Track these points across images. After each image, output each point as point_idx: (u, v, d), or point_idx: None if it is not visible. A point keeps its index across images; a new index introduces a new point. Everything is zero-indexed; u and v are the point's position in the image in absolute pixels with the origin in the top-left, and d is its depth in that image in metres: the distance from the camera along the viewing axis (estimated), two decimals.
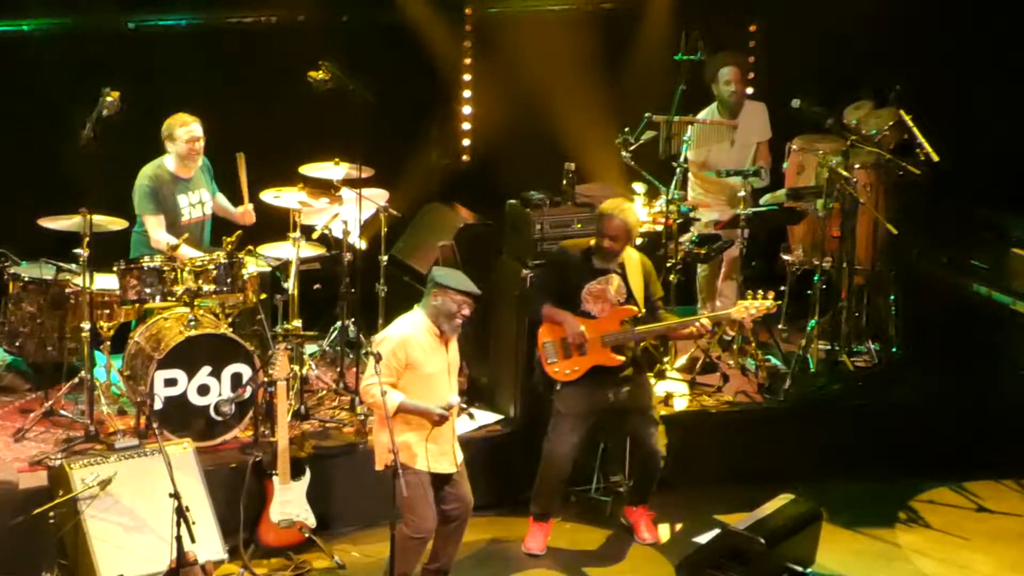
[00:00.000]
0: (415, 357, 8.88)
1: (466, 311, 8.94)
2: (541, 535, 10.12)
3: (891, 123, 11.85)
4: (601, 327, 9.78)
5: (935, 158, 11.50)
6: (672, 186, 11.36)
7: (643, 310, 9.83)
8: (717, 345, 11.64)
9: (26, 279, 10.55)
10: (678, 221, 11.32)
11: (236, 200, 10.98)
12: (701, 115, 11.90)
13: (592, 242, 9.89)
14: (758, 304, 9.97)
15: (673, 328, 10.03)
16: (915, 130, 11.64)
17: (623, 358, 9.83)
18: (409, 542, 8.94)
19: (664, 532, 10.46)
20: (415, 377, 8.89)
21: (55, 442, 10.14)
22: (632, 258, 9.92)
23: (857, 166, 11.65)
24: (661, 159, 11.74)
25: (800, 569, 9.83)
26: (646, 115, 11.54)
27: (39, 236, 10.39)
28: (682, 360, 11.52)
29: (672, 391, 11.16)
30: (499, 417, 10.79)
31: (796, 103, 11.52)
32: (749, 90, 12.26)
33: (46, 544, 9.30)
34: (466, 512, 9.23)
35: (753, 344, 11.52)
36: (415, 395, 8.86)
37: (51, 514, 9.21)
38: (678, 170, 11.52)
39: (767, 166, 11.90)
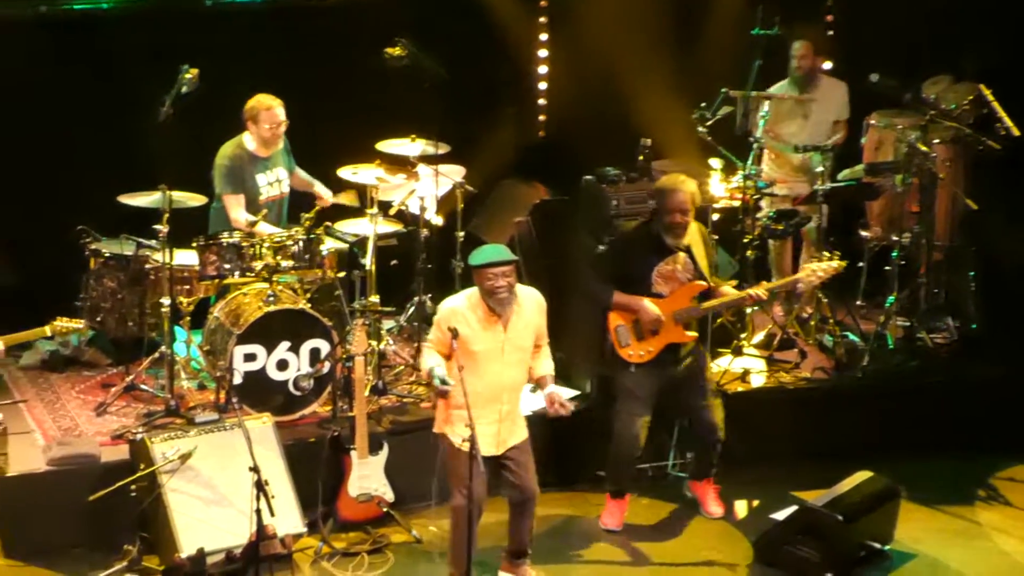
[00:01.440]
0: (461, 332, 8.83)
1: (501, 282, 8.80)
2: (618, 511, 10.13)
3: (970, 97, 11.76)
4: (672, 305, 9.75)
5: (1015, 132, 11.41)
6: (749, 161, 11.31)
7: (712, 282, 9.80)
8: (795, 322, 11.60)
9: (107, 255, 10.64)
10: (755, 197, 11.28)
11: (327, 184, 11.10)
12: (774, 88, 11.84)
13: (648, 220, 9.84)
14: (825, 266, 9.92)
15: (738, 301, 9.98)
16: (995, 104, 11.53)
17: (695, 333, 9.81)
18: (456, 511, 8.93)
19: (741, 508, 10.44)
20: (463, 351, 8.82)
21: (136, 416, 10.25)
22: (692, 230, 9.82)
23: (936, 141, 11.58)
24: (737, 134, 11.69)
25: (878, 546, 9.81)
26: (723, 90, 11.51)
27: (119, 212, 10.47)
28: (759, 336, 11.50)
29: (749, 367, 11.13)
30: (575, 393, 10.78)
31: (874, 78, 11.44)
32: (828, 65, 12.19)
33: (128, 517, 9.38)
34: (525, 499, 9.17)
35: (831, 321, 11.47)
36: (464, 368, 8.76)
37: (132, 487, 9.31)
38: (755, 145, 11.47)
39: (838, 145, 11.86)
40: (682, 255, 9.76)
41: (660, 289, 9.77)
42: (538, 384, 9.18)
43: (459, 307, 8.92)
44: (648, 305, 9.71)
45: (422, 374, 9.03)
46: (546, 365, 9.20)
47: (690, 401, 10.01)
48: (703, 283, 9.77)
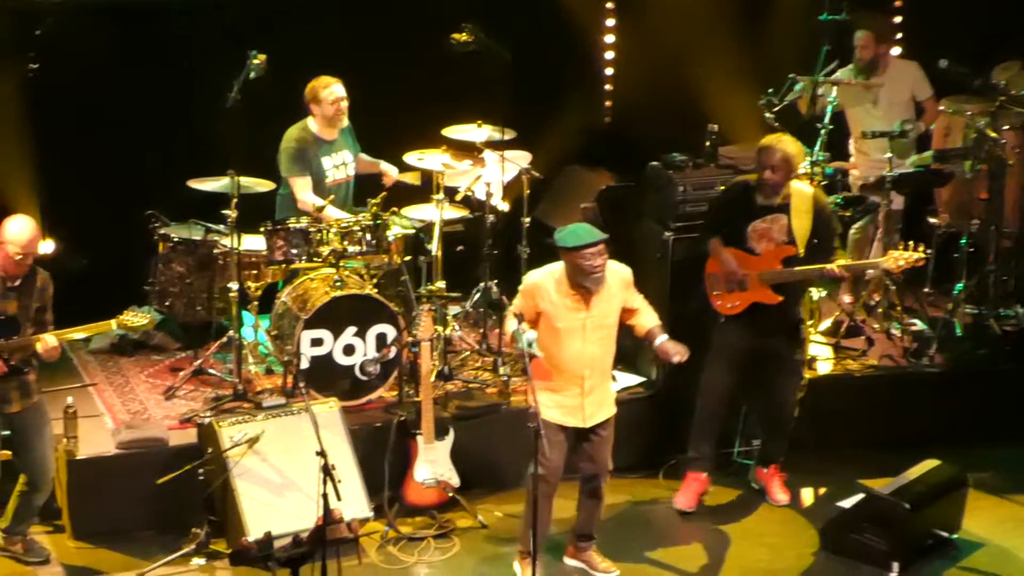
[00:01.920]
0: (543, 307, 8.85)
1: (598, 261, 8.77)
2: (692, 491, 10.13)
3: None
4: (761, 264, 9.75)
5: None
6: (816, 148, 11.24)
7: (802, 251, 9.74)
8: (862, 309, 11.54)
9: (175, 239, 10.67)
10: (823, 183, 11.22)
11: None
12: (838, 75, 11.76)
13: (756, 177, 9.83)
14: (907, 255, 9.83)
15: (815, 272, 9.85)
16: None
17: (781, 298, 9.77)
18: (534, 481, 8.91)
19: (807, 496, 10.42)
20: (546, 326, 8.86)
21: (204, 400, 10.32)
22: (803, 196, 9.78)
23: (1006, 127, 11.48)
24: (805, 120, 11.62)
25: (945, 535, 9.76)
26: (790, 76, 11.44)
27: (188, 197, 10.54)
28: (826, 323, 11.45)
29: (816, 354, 11.09)
30: (641, 380, 10.78)
31: (943, 63, 11.37)
32: (896, 50, 12.10)
33: (195, 500, 9.45)
34: (596, 473, 9.19)
35: (899, 308, 11.41)
36: (544, 344, 8.81)
37: (200, 471, 9.38)
38: (822, 132, 11.40)
39: (924, 125, 11.76)
40: (783, 217, 9.73)
41: (754, 246, 9.78)
42: (647, 337, 9.12)
43: (542, 282, 8.90)
44: (728, 256, 9.75)
45: (505, 338, 8.96)
46: (649, 318, 9.15)
47: (780, 379, 10.01)
48: (792, 248, 9.73)
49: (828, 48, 11.50)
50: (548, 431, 8.69)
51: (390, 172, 11.09)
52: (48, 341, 8.90)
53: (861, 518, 9.55)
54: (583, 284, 8.83)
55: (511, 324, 8.80)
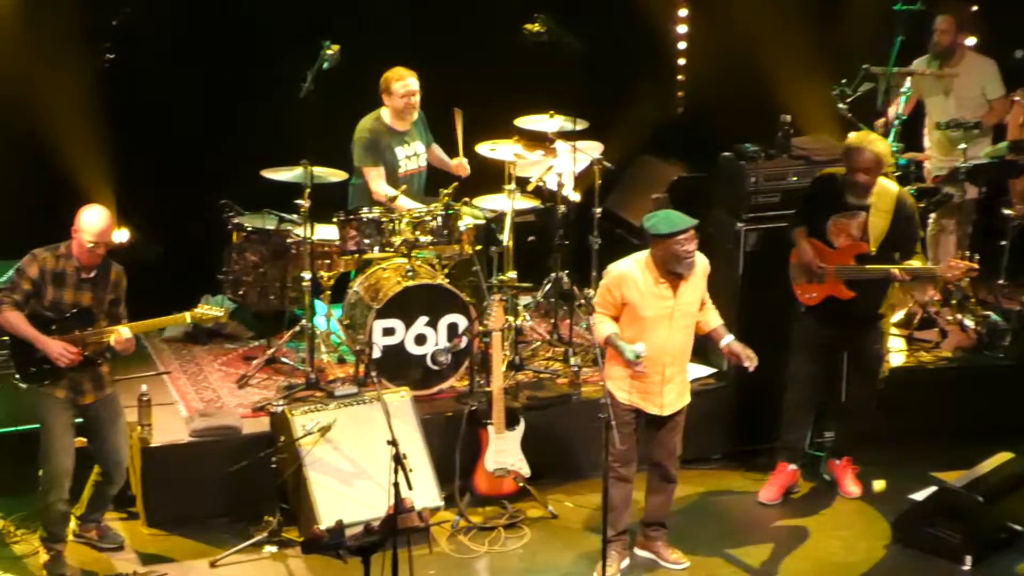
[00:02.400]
0: (630, 297, 8.85)
1: (690, 247, 8.78)
2: (778, 483, 10.15)
3: None
4: (836, 258, 9.74)
5: None
6: (890, 139, 11.18)
7: (873, 249, 9.68)
8: (935, 301, 11.47)
9: (249, 229, 10.74)
10: (896, 174, 11.15)
11: (451, 152, 11.11)
12: (914, 64, 11.68)
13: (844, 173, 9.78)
14: (963, 266, 9.77)
15: (880, 273, 9.74)
16: None
17: (853, 294, 9.74)
18: (609, 471, 8.91)
19: (880, 489, 10.36)
20: (631, 317, 8.88)
21: (277, 389, 10.37)
22: (886, 195, 9.71)
23: None
24: (879, 111, 11.55)
25: (1019, 528, 9.69)
26: (864, 66, 11.37)
27: (262, 187, 10.59)
28: (900, 315, 11.38)
29: (890, 346, 11.01)
30: (712, 371, 10.75)
31: (1019, 54, 11.27)
32: (971, 41, 12.00)
33: (268, 488, 9.52)
34: (668, 459, 9.21)
35: (973, 300, 11.33)
36: (629, 333, 8.85)
37: (273, 459, 9.44)
38: (896, 122, 11.33)
39: (987, 123, 11.65)
40: (863, 214, 9.69)
41: (833, 240, 9.77)
42: (712, 337, 9.18)
43: (629, 272, 8.90)
44: (805, 248, 9.77)
45: (598, 340, 8.95)
46: (714, 317, 9.20)
47: (856, 377, 10.03)
48: (865, 245, 9.69)
49: (902, 39, 11.42)
50: (620, 415, 8.74)
51: (462, 164, 11.09)
52: (122, 333, 8.98)
53: (934, 511, 9.50)
54: (675, 271, 8.83)
55: (605, 327, 8.84)
